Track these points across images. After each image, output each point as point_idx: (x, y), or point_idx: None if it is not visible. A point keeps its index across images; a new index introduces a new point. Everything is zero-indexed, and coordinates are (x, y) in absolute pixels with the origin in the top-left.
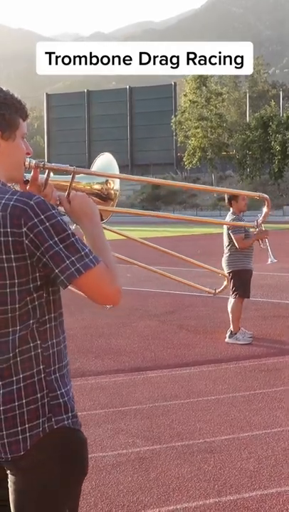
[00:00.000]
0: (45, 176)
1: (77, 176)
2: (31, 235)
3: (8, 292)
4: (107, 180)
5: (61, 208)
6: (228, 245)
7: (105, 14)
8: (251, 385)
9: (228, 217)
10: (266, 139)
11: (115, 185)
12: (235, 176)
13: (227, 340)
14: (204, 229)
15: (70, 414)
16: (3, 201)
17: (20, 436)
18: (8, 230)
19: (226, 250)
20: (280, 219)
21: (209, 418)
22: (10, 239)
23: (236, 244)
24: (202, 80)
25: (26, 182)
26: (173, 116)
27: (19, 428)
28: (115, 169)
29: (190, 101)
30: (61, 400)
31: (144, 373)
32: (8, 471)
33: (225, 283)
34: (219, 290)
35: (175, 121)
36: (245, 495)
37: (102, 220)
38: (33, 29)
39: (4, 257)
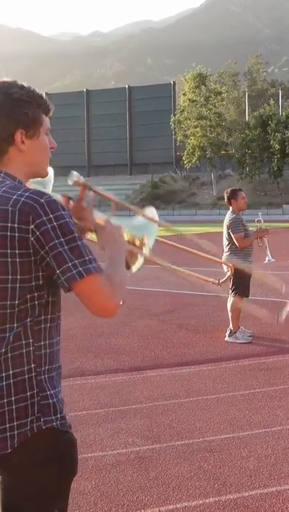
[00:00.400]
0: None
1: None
2: (38, 233)
3: (9, 287)
4: (143, 237)
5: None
6: (228, 244)
7: (104, 13)
8: (251, 383)
9: (228, 216)
10: (265, 137)
11: (149, 242)
12: (234, 175)
13: (227, 339)
14: (203, 228)
15: (58, 416)
16: (15, 197)
17: (8, 434)
18: (16, 225)
19: (226, 249)
20: (279, 217)
21: (209, 417)
22: (16, 234)
23: (236, 243)
24: (201, 79)
25: (68, 198)
26: (172, 116)
27: (7, 425)
28: (152, 233)
29: (189, 100)
30: (50, 401)
31: (143, 372)
32: None
33: (228, 273)
34: (223, 280)
35: (174, 121)
36: (245, 494)
37: (128, 268)
38: (31, 28)
39: (9, 251)
